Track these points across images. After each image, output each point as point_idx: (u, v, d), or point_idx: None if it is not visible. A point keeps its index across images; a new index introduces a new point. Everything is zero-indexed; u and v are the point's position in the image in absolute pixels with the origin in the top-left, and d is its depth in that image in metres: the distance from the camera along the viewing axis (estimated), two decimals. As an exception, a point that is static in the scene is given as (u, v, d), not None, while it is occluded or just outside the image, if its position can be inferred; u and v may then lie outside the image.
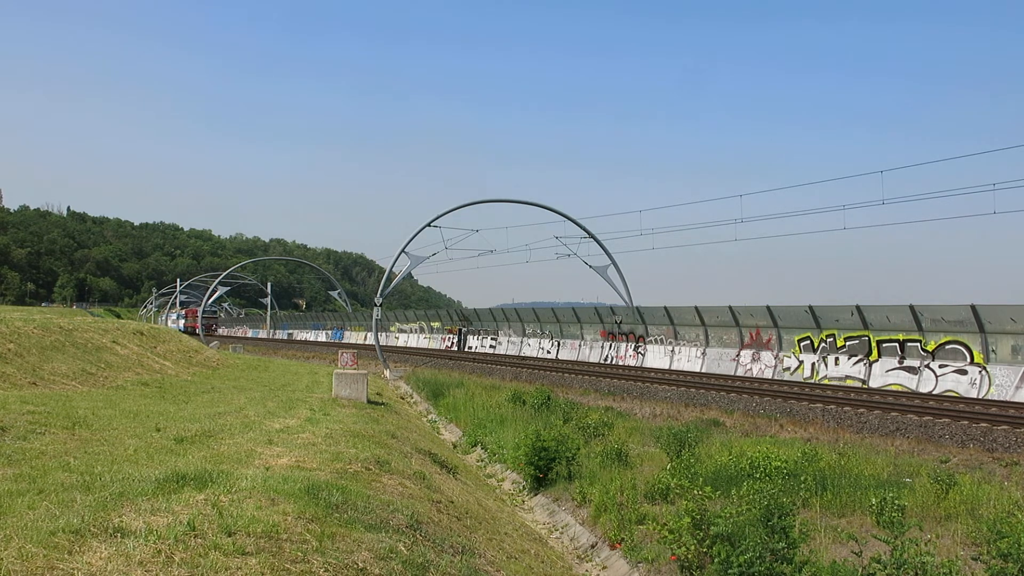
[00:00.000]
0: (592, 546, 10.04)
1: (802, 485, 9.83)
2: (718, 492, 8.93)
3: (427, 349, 52.66)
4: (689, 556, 7.35)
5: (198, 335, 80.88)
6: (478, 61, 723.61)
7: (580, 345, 39.44)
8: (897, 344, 23.35)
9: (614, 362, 35.72)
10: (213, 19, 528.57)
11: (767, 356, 27.84)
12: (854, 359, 24.55)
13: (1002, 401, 19.09)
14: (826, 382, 24.84)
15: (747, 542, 6.67)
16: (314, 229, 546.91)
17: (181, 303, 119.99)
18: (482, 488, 13.07)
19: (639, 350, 34.71)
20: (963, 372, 21.30)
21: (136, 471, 6.71)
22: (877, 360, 23.82)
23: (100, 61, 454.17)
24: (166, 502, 5.41)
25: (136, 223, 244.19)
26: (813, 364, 25.97)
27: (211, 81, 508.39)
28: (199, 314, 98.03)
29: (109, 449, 8.24)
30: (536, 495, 12.93)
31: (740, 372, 28.53)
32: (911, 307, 23.03)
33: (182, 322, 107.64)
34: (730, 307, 29.79)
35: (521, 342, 44.79)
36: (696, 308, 31.40)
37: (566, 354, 39.93)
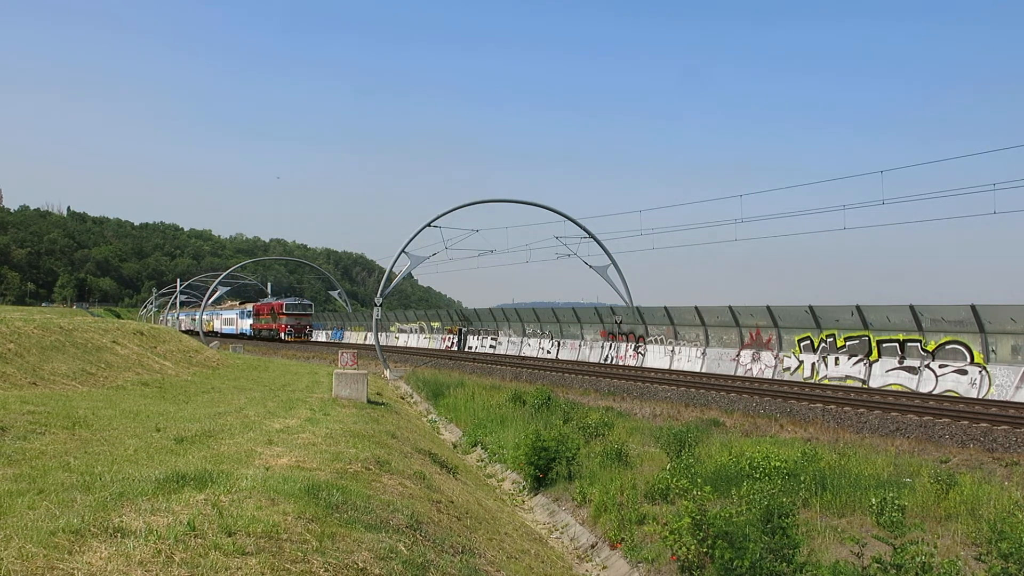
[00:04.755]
0: (592, 546, 10.04)
1: (802, 485, 9.83)
2: (718, 492, 8.93)
3: (427, 349, 52.64)
4: (689, 556, 7.35)
5: (281, 341, 63.61)
6: (478, 61, 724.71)
7: (580, 345, 39.43)
8: (897, 344, 23.34)
9: (614, 362, 35.71)
10: (213, 19, 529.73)
11: (767, 356, 27.84)
12: (854, 359, 24.54)
13: (1002, 401, 19.08)
14: (826, 382, 24.83)
15: (748, 542, 6.67)
16: (314, 229, 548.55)
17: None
18: (482, 488, 13.07)
19: (639, 350, 34.70)
20: (963, 372, 21.29)
21: (136, 471, 6.71)
22: (877, 360, 23.81)
23: (100, 61, 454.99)
24: (166, 502, 5.40)
25: (136, 223, 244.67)
26: (813, 364, 25.96)
27: (211, 81, 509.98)
28: (283, 308, 68.55)
29: (109, 449, 8.24)
30: (536, 495, 12.93)
31: (740, 372, 28.52)
32: (911, 307, 23.03)
33: (246, 322, 77.53)
34: (730, 307, 29.78)
35: (521, 342, 44.78)
36: (696, 308, 31.39)
37: (566, 354, 39.92)
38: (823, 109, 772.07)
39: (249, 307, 79.01)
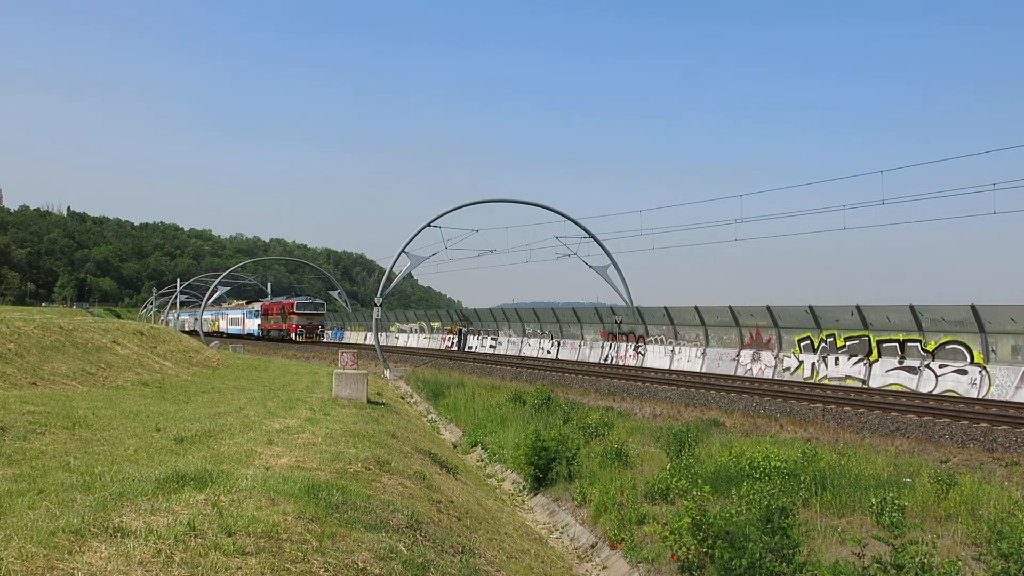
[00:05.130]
0: (592, 546, 10.04)
1: (802, 485, 9.83)
2: (718, 492, 8.93)
3: (427, 349, 52.64)
4: (689, 556, 7.35)
5: (292, 342, 59.99)
6: (478, 61, 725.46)
7: (580, 345, 39.43)
8: (897, 344, 23.34)
9: (614, 362, 35.70)
10: (213, 19, 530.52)
11: (767, 356, 27.84)
12: (854, 359, 24.54)
13: (1002, 401, 19.09)
14: (826, 382, 24.83)
15: (748, 542, 6.67)
16: (314, 229, 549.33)
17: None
18: (482, 488, 13.07)
19: (639, 350, 34.70)
20: (963, 372, 21.29)
21: (136, 471, 6.71)
22: (877, 360, 23.81)
23: (100, 61, 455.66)
24: (166, 502, 5.40)
25: (136, 223, 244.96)
26: (813, 364, 25.96)
27: (211, 81, 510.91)
28: (294, 308, 64.61)
29: (109, 449, 8.24)
30: (536, 495, 12.93)
31: (740, 372, 28.52)
32: (911, 307, 23.03)
33: (254, 322, 74.08)
34: (730, 307, 29.78)
35: (521, 342, 44.78)
36: (696, 308, 31.39)
37: (566, 354, 39.92)
38: (823, 109, 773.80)
39: (257, 306, 75.15)
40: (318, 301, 68.37)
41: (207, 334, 77.62)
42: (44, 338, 19.19)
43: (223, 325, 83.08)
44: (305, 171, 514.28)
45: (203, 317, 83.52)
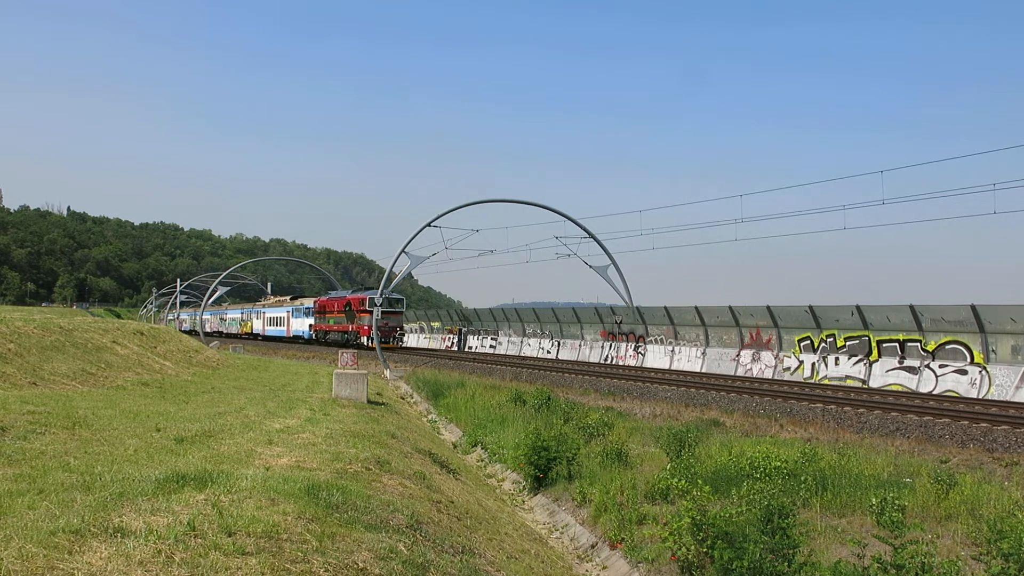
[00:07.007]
0: (592, 546, 10.04)
1: (802, 485, 9.82)
2: (718, 492, 8.93)
3: (427, 349, 52.62)
4: (689, 556, 7.35)
5: (362, 348, 47.35)
6: (478, 61, 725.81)
7: (580, 345, 39.43)
8: (897, 344, 23.34)
9: (614, 362, 35.70)
10: (213, 19, 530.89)
11: (767, 356, 27.83)
12: (854, 359, 24.54)
13: (1002, 401, 19.09)
14: (826, 382, 24.82)
15: (748, 543, 6.68)
16: (314, 229, 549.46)
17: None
18: (482, 488, 13.06)
19: (639, 350, 34.70)
20: (963, 372, 21.29)
21: (136, 471, 6.71)
22: (877, 360, 23.81)
23: (100, 61, 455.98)
24: (166, 502, 5.40)
25: (136, 223, 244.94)
26: (813, 364, 25.96)
27: (211, 81, 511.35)
28: (363, 305, 49.14)
29: (109, 449, 8.23)
30: (536, 495, 12.93)
31: (740, 372, 28.51)
32: (911, 307, 23.03)
33: (303, 322, 60.82)
34: (730, 307, 29.78)
35: (521, 342, 44.77)
36: (696, 308, 31.38)
37: (566, 354, 39.92)
38: (823, 109, 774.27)
39: (308, 303, 61.62)
40: (396, 296, 50.13)
41: (236, 336, 76.69)
42: (44, 338, 19.18)
43: (257, 326, 70.96)
44: (305, 171, 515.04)
45: (230, 316, 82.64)
